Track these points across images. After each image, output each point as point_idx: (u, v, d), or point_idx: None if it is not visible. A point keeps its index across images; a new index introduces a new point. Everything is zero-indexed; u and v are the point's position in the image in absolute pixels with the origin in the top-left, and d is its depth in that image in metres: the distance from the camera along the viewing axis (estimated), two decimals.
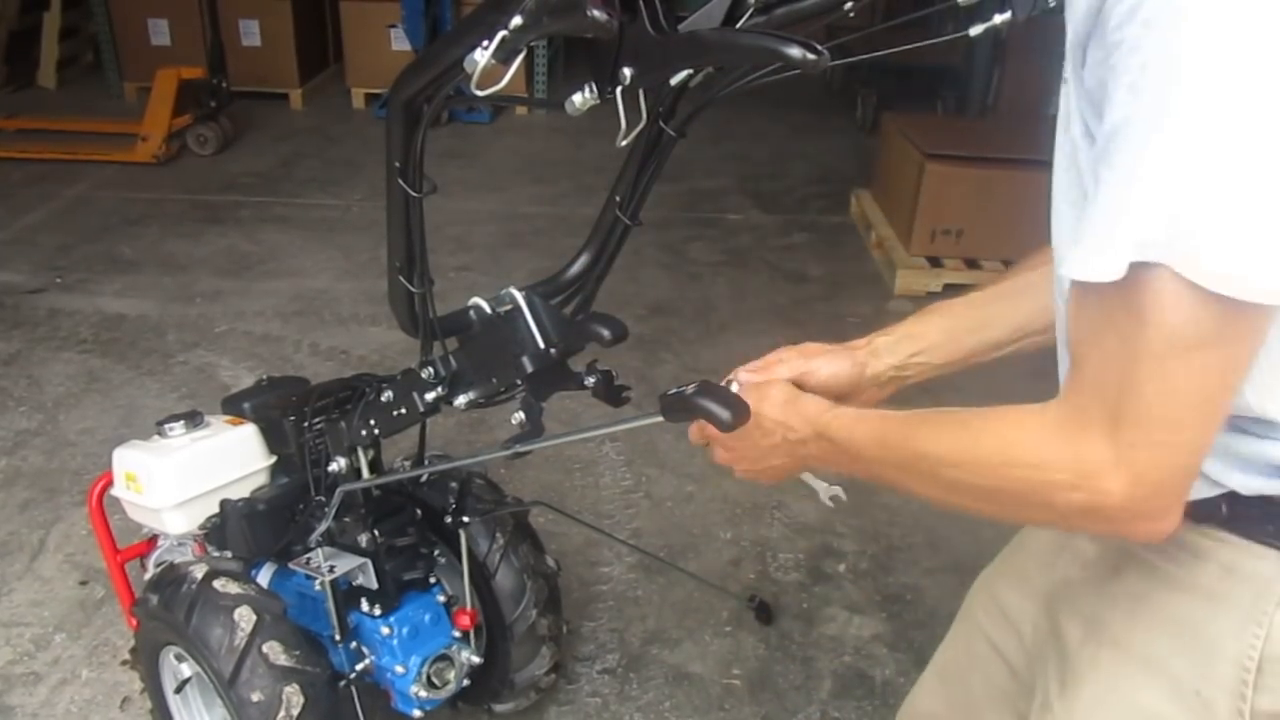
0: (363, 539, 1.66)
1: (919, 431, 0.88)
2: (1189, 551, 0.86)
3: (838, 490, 1.18)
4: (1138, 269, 0.65)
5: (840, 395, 1.11)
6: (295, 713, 1.52)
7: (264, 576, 1.79)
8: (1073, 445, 0.72)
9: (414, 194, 1.26)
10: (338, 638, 1.70)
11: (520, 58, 0.94)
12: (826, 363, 1.13)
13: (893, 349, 1.14)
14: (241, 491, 1.72)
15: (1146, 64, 0.64)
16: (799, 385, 1.09)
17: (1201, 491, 0.82)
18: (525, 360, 1.35)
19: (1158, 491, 0.72)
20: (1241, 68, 0.61)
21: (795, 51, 0.76)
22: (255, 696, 1.52)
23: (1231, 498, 0.82)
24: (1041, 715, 0.99)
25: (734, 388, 1.11)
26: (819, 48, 0.75)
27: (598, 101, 0.96)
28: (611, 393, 1.35)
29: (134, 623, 1.77)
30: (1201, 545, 0.85)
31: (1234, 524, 0.83)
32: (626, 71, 0.92)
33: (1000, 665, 1.17)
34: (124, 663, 2.12)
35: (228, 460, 1.72)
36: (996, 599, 1.19)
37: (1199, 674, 0.85)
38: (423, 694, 1.72)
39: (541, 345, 1.35)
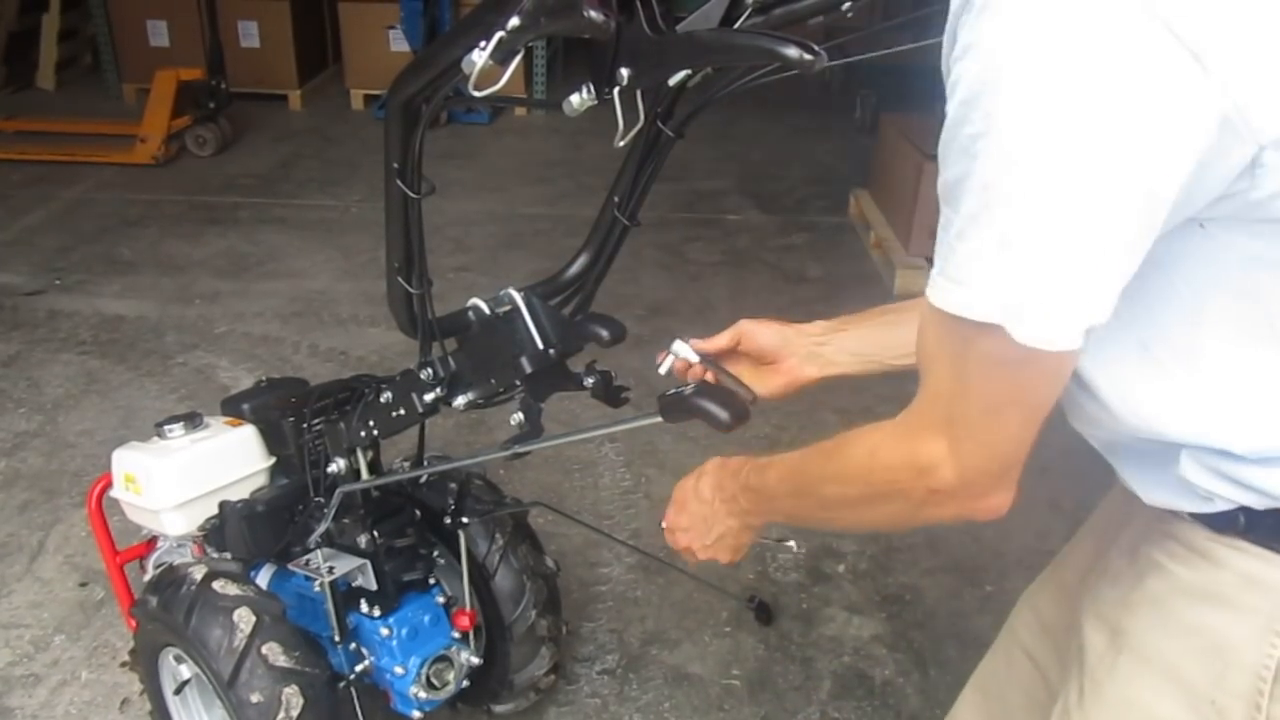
0: (362, 540, 1.66)
1: (806, 460, 0.99)
2: (1209, 560, 0.87)
3: (790, 543, 1.24)
4: None
5: (773, 358, 1.24)
6: (295, 714, 1.52)
7: (263, 578, 1.79)
8: (916, 443, 0.84)
9: (412, 195, 1.26)
10: (337, 639, 1.69)
11: (518, 58, 0.94)
12: (776, 329, 1.25)
13: (834, 334, 1.25)
14: (241, 493, 1.72)
15: (978, 135, 0.70)
16: (739, 347, 1.23)
17: (1217, 506, 0.85)
18: (524, 361, 1.35)
19: (984, 476, 0.83)
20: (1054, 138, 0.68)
21: (792, 52, 0.76)
22: (254, 698, 1.52)
23: (1247, 510, 0.84)
24: None
25: (670, 359, 1.20)
26: (816, 48, 0.75)
27: (595, 102, 0.96)
28: (611, 393, 1.35)
29: (133, 624, 1.77)
30: (1221, 554, 0.86)
31: (1252, 533, 0.84)
32: (624, 72, 0.92)
33: (1039, 679, 1.19)
34: (123, 664, 2.12)
35: (227, 462, 1.72)
36: (1038, 613, 1.22)
37: (1215, 682, 0.86)
38: (422, 695, 1.72)
39: (540, 346, 1.35)
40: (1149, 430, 0.86)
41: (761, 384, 1.23)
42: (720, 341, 1.25)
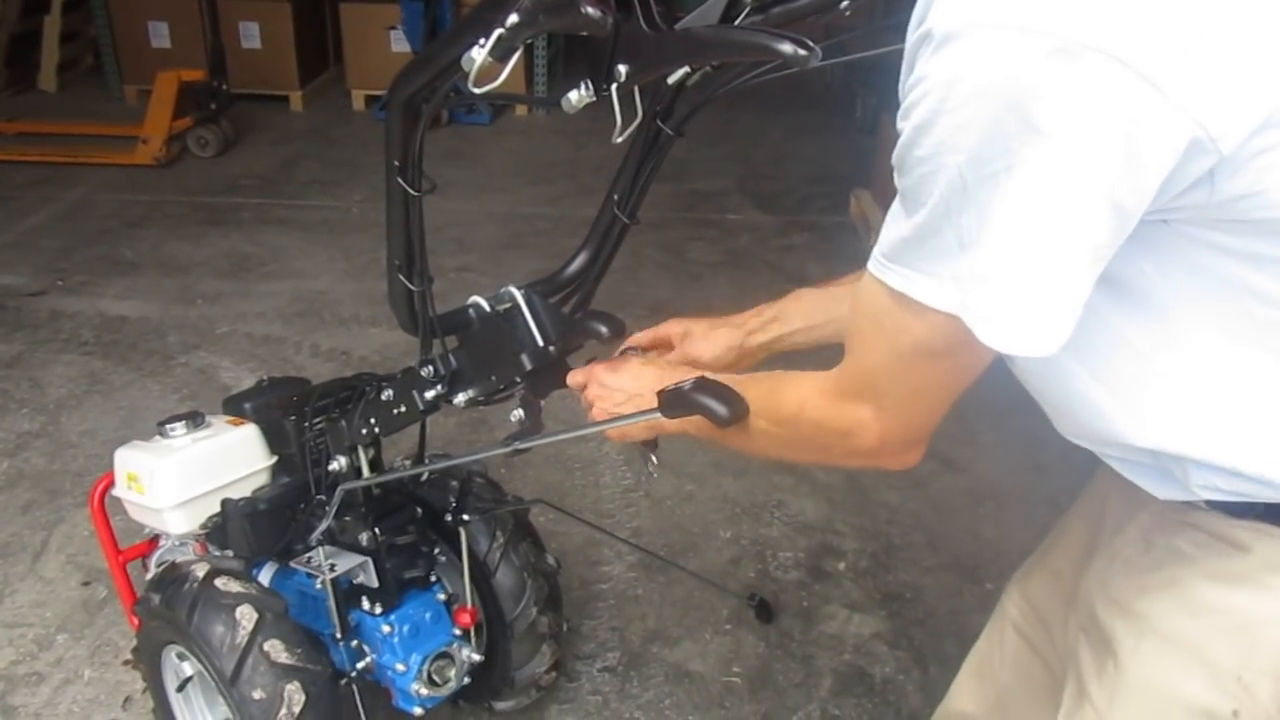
0: (363, 537, 1.67)
1: (745, 388, 1.06)
2: (1230, 544, 0.88)
3: (653, 459, 1.40)
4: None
5: (727, 365, 1.35)
6: (296, 711, 1.53)
7: (265, 575, 1.79)
8: (842, 407, 0.93)
9: (413, 193, 1.27)
10: (339, 636, 1.70)
11: (517, 56, 0.95)
12: (715, 338, 1.36)
13: (765, 328, 1.35)
14: (243, 491, 1.73)
15: (927, 158, 0.74)
16: (692, 361, 1.34)
17: (1236, 499, 0.86)
18: (524, 358, 1.36)
19: (901, 441, 0.93)
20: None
21: (787, 47, 0.77)
22: (257, 694, 1.53)
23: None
24: (1078, 704, 1.01)
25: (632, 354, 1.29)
26: (810, 44, 0.76)
27: (593, 99, 0.97)
28: None
29: (136, 622, 1.78)
30: (1243, 538, 0.87)
31: (1270, 517, 0.86)
32: (622, 68, 0.93)
33: (1037, 661, 1.20)
34: (126, 662, 2.13)
35: (229, 460, 1.73)
36: (1030, 598, 1.23)
37: (1241, 660, 0.87)
38: (423, 692, 1.72)
39: (541, 343, 1.36)
40: (1156, 446, 0.87)
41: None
42: (643, 340, 1.38)
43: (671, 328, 1.39)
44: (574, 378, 1.31)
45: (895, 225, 0.79)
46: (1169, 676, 0.92)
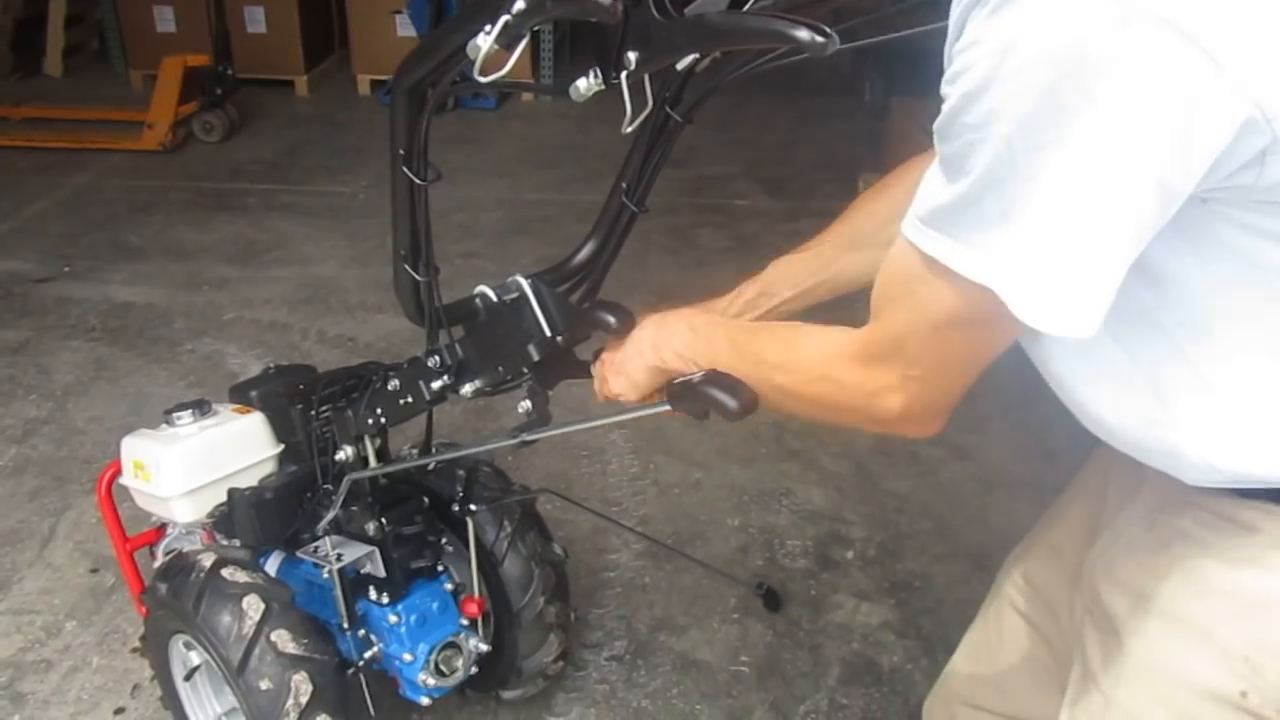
0: (370, 527, 1.67)
1: (761, 338, 1.05)
2: (1238, 525, 0.88)
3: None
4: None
5: None
6: (303, 700, 1.53)
7: (272, 565, 1.79)
8: (868, 371, 0.89)
9: (419, 182, 1.26)
10: (346, 626, 1.70)
11: (524, 43, 0.93)
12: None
13: (753, 305, 1.33)
14: (249, 480, 1.72)
15: (977, 125, 0.72)
16: None
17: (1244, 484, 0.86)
18: (532, 348, 1.35)
19: (925, 410, 0.90)
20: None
21: (804, 34, 0.75)
22: (264, 684, 1.53)
23: None
24: (1084, 685, 1.00)
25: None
26: (828, 30, 0.74)
27: (603, 87, 0.95)
28: None
29: (143, 610, 1.78)
30: (1251, 518, 0.87)
31: (1278, 498, 0.85)
32: (631, 56, 0.91)
33: (1038, 641, 1.20)
34: (134, 650, 2.13)
35: (235, 448, 1.72)
36: (1029, 577, 1.23)
37: (1250, 640, 0.87)
38: (431, 681, 1.72)
39: (548, 333, 1.34)
40: (1188, 457, 0.87)
41: None
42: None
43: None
44: (597, 373, 1.29)
45: (934, 191, 0.77)
46: (1176, 658, 0.91)
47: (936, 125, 0.75)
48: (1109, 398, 0.89)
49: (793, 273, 1.31)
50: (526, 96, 6.29)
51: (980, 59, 0.70)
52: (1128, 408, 0.88)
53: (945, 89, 0.74)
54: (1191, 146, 0.67)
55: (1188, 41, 0.64)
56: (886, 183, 1.24)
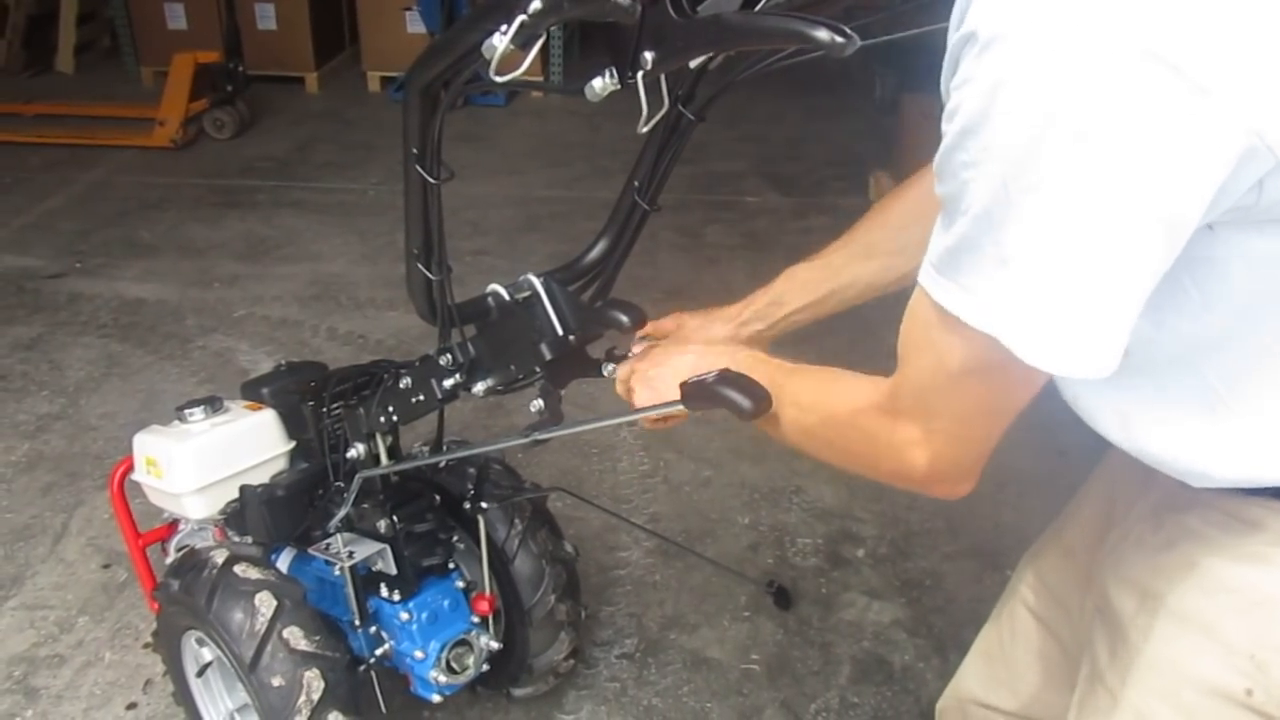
0: (382, 525, 1.67)
1: (797, 380, 1.04)
2: (1244, 522, 0.88)
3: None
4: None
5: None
6: (315, 697, 1.53)
7: (284, 562, 1.80)
8: (893, 424, 0.87)
9: (432, 181, 1.25)
10: (357, 623, 1.70)
11: (539, 43, 0.93)
12: (708, 332, 1.34)
13: (762, 315, 1.33)
14: (261, 477, 1.73)
15: (971, 163, 0.71)
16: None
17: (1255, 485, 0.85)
18: (544, 347, 1.35)
19: (952, 466, 0.88)
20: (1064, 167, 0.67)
21: (823, 34, 0.74)
22: (276, 681, 1.53)
23: None
24: (1091, 685, 1.00)
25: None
26: (847, 30, 0.74)
27: (618, 87, 0.95)
28: None
29: (155, 607, 1.78)
30: (1256, 515, 0.87)
31: None
32: (648, 56, 0.91)
33: (1051, 642, 1.20)
34: (146, 646, 2.14)
35: (247, 445, 1.73)
36: (1042, 577, 1.23)
37: (1255, 638, 0.87)
38: (442, 679, 1.72)
39: (560, 332, 1.34)
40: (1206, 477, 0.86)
41: None
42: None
43: (667, 324, 1.38)
44: (622, 372, 1.28)
45: (938, 233, 0.76)
46: (1182, 655, 0.91)
47: (935, 164, 0.75)
48: (1117, 418, 0.90)
49: (804, 282, 1.31)
50: (536, 93, 6.28)
51: (971, 97, 0.69)
52: (1136, 422, 0.88)
53: (944, 127, 0.73)
54: (1190, 178, 0.66)
55: (1175, 74, 0.63)
56: (899, 191, 1.24)
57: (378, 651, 1.72)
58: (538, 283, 1.36)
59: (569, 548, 1.88)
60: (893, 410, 0.88)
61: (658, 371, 1.20)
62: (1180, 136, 0.65)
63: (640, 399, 1.21)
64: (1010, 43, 0.67)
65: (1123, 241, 0.68)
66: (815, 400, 1.00)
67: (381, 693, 1.68)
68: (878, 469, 0.93)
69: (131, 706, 2.04)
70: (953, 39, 0.74)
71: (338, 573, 1.66)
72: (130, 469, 1.79)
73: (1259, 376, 0.81)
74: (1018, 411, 0.82)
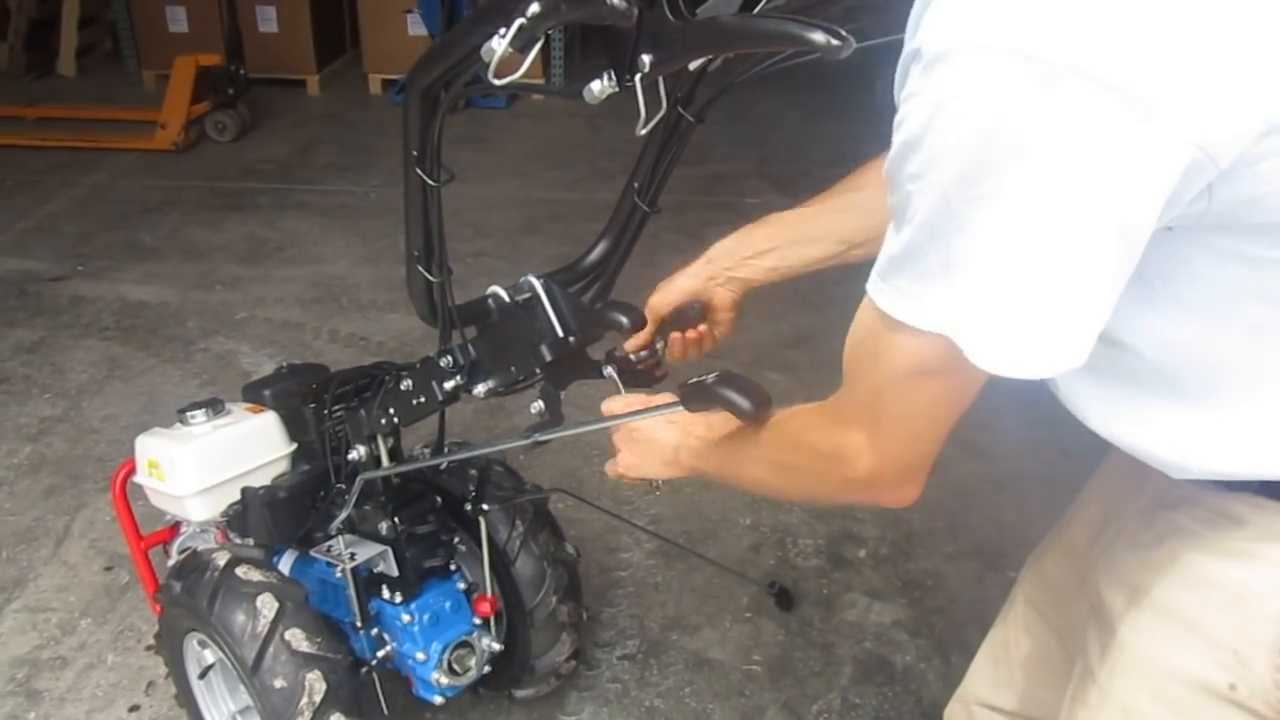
0: (383, 526, 1.67)
1: (761, 427, 1.04)
2: (1228, 518, 0.88)
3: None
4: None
5: (696, 295, 1.37)
6: (317, 699, 1.54)
7: (285, 564, 1.80)
8: (838, 434, 0.90)
9: (432, 183, 1.26)
10: (359, 625, 1.70)
11: (538, 46, 0.93)
12: (673, 286, 1.38)
13: (730, 251, 1.37)
14: (263, 479, 1.73)
15: (916, 175, 0.72)
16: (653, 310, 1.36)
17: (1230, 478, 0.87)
18: (544, 349, 1.35)
19: (897, 470, 0.89)
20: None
21: (819, 37, 0.75)
22: (278, 683, 1.53)
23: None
24: (1083, 682, 1.01)
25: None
26: (843, 33, 0.74)
27: (616, 89, 0.95)
28: (639, 374, 1.35)
29: (158, 609, 1.78)
30: (1240, 511, 0.88)
31: (1267, 491, 0.86)
32: (646, 59, 0.91)
33: (1054, 642, 1.22)
34: (149, 648, 2.14)
35: (249, 448, 1.73)
36: (1045, 578, 1.24)
37: (1237, 633, 0.87)
38: (444, 680, 1.73)
39: (560, 334, 1.35)
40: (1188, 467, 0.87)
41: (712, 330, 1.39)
42: (641, 339, 1.36)
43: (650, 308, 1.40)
44: (609, 406, 1.27)
45: (887, 244, 0.78)
46: (1167, 650, 0.92)
47: (884, 171, 0.77)
48: (1098, 407, 0.91)
49: (777, 221, 1.36)
50: (537, 96, 6.29)
51: (915, 111, 0.71)
52: (1114, 413, 0.90)
53: (894, 136, 0.75)
54: (1136, 189, 0.67)
55: (1109, 91, 0.64)
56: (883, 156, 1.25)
57: (380, 653, 1.72)
58: (538, 284, 1.37)
59: (570, 549, 1.88)
60: (839, 419, 0.90)
61: (644, 437, 1.22)
62: (1120, 151, 0.66)
63: (623, 462, 1.24)
64: (952, 61, 0.68)
65: (1066, 250, 0.69)
66: (770, 432, 1.03)
67: (383, 694, 1.68)
68: (825, 479, 0.96)
69: (134, 709, 2.04)
70: (904, 53, 0.76)
71: (339, 575, 1.66)
72: (132, 471, 1.79)
73: (1232, 371, 0.81)
74: (961, 412, 0.83)
